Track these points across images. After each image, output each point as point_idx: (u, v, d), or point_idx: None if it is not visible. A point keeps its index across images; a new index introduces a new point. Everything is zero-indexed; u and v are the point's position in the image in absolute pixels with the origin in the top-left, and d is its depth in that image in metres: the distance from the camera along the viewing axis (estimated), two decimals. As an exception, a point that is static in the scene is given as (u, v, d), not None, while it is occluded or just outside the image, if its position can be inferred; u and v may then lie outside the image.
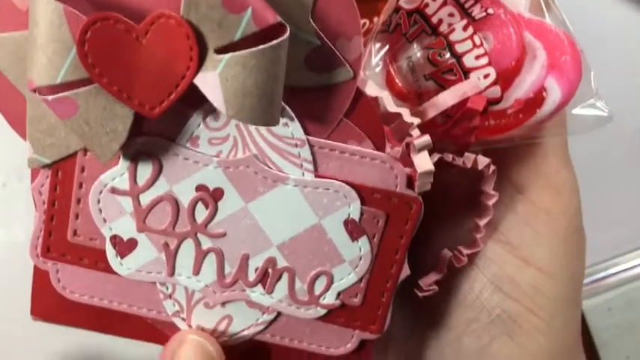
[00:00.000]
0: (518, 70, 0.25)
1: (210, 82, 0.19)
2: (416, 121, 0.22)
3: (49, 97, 0.19)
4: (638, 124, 0.45)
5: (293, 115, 0.22)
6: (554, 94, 0.25)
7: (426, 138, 0.22)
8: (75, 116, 0.20)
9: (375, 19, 0.30)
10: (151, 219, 0.23)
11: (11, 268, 0.37)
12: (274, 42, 0.19)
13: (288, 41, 0.20)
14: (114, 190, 0.23)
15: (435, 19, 0.26)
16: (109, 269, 0.24)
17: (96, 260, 0.24)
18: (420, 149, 0.22)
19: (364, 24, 0.30)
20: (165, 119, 0.22)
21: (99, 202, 0.23)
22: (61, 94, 0.19)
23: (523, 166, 0.27)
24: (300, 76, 0.21)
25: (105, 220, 0.23)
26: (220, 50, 0.19)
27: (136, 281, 0.24)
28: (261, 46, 0.19)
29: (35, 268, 0.25)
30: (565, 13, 0.47)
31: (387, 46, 0.26)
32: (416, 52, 0.26)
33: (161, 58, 0.19)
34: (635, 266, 0.44)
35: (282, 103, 0.21)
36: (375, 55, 0.26)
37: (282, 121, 0.22)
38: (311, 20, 0.20)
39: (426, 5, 0.26)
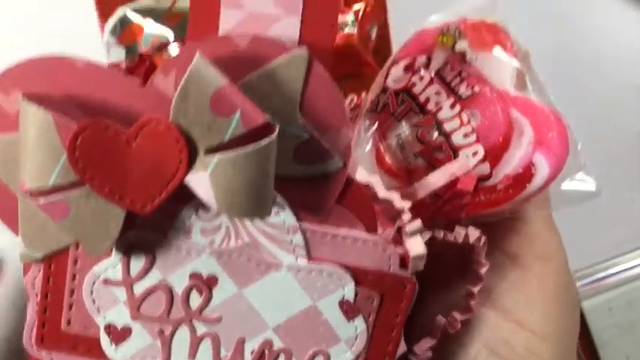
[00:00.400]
0: (506, 147, 0.26)
1: (200, 182, 0.20)
2: (406, 205, 0.22)
3: (41, 200, 0.19)
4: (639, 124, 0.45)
5: (284, 203, 0.22)
6: (543, 169, 0.25)
7: (418, 223, 0.22)
8: (67, 218, 0.20)
9: (363, 94, 0.31)
10: (144, 307, 0.23)
11: (11, 268, 0.37)
12: (263, 142, 0.19)
13: (278, 136, 0.20)
14: (107, 281, 0.23)
15: (422, 98, 0.26)
16: (103, 356, 0.24)
17: (89, 348, 0.24)
18: (412, 234, 0.22)
19: (352, 100, 0.31)
20: (157, 212, 0.22)
21: (92, 292, 0.23)
22: (52, 197, 0.19)
23: (512, 234, 0.27)
24: (290, 167, 0.21)
25: (99, 310, 0.23)
26: (210, 151, 0.19)
27: (131, 368, 0.24)
28: (250, 147, 0.19)
29: (29, 355, 0.24)
30: (565, 13, 0.48)
31: (376, 125, 0.26)
32: (404, 130, 0.26)
33: (151, 160, 0.20)
34: (635, 266, 0.44)
35: (274, 191, 0.21)
36: (365, 133, 0.26)
37: (274, 209, 0.22)
38: (299, 115, 0.21)
39: (413, 85, 0.26)
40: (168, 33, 0.29)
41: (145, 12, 0.29)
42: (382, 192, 0.22)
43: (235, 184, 0.19)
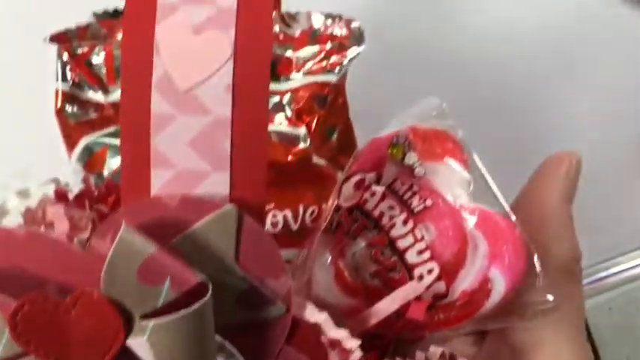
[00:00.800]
0: (461, 262, 0.25)
1: (140, 346, 0.20)
2: (355, 345, 0.22)
3: (-11, 373, 0.20)
4: (639, 125, 0.44)
5: (233, 351, 0.22)
6: (499, 284, 0.25)
7: None
8: (16, 386, 0.20)
9: (324, 205, 0.31)
10: None
11: None
12: (195, 306, 0.19)
13: (218, 287, 0.20)
14: None
15: (376, 213, 0.26)
16: None
17: None
18: None
19: (313, 211, 0.31)
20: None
21: None
22: (0, 369, 0.20)
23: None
24: (234, 315, 0.22)
25: None
26: (145, 316, 0.20)
27: None
28: (183, 312, 0.19)
29: None
30: (565, 13, 0.47)
31: (333, 245, 0.26)
32: (360, 247, 0.26)
33: (89, 329, 0.20)
34: (635, 266, 0.43)
35: (221, 338, 0.22)
36: (322, 253, 0.26)
37: (222, 356, 0.22)
38: (236, 267, 0.21)
39: (365, 201, 0.26)
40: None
41: (108, 136, 0.30)
42: (332, 331, 0.22)
43: (174, 347, 0.20)
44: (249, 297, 0.22)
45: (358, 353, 0.22)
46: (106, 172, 0.30)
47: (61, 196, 0.30)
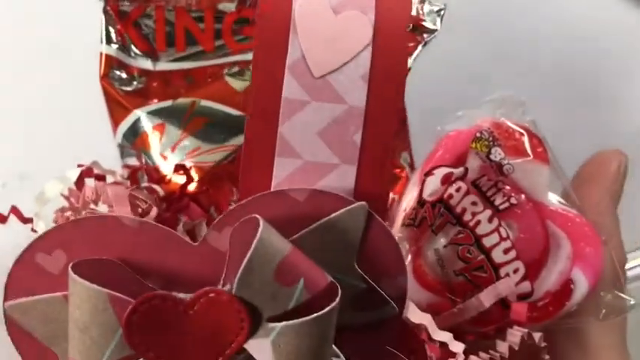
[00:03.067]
0: (545, 260, 0.25)
1: (262, 348, 0.19)
2: (460, 348, 0.22)
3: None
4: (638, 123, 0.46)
5: (339, 353, 0.21)
6: (582, 285, 0.25)
7: None
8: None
9: (391, 195, 0.30)
10: None
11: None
12: (326, 309, 0.18)
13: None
14: None
15: (459, 209, 0.25)
16: None
17: None
18: None
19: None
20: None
21: None
22: (105, 374, 0.18)
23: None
24: (347, 315, 0.21)
25: None
26: (273, 318, 0.18)
27: None
28: (315, 315, 0.18)
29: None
30: (566, 13, 0.48)
31: (414, 241, 0.25)
32: (442, 243, 0.26)
33: (209, 328, 0.18)
34: (635, 266, 0.44)
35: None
36: (401, 247, 0.25)
37: (329, 358, 0.21)
38: (356, 266, 0.20)
39: (450, 196, 0.25)
40: (189, 141, 0.27)
41: (162, 112, 0.28)
42: (435, 333, 0.22)
43: (298, 351, 0.18)
44: (364, 298, 0.21)
45: (463, 357, 0.22)
46: (157, 152, 0.27)
47: (98, 177, 0.27)
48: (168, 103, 0.28)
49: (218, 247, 0.19)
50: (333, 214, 0.19)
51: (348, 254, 0.20)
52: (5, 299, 0.19)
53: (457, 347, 0.22)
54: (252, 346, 0.19)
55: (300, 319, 0.18)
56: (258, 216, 0.18)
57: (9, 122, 0.38)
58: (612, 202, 0.28)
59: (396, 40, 0.19)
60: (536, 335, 0.24)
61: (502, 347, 0.24)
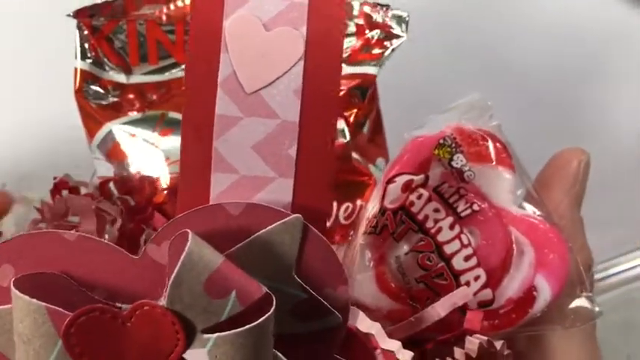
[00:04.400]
0: (507, 267, 0.25)
1: (199, 358, 0.19)
2: (408, 356, 0.22)
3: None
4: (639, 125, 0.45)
5: (285, 360, 0.22)
6: (545, 292, 0.25)
7: None
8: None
9: (358, 201, 0.30)
10: None
11: None
12: (260, 320, 0.19)
13: (275, 297, 0.19)
14: None
15: (420, 216, 0.25)
16: None
17: None
18: None
19: (347, 207, 0.30)
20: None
21: None
22: (49, 383, 0.19)
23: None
24: (289, 325, 0.21)
25: None
26: (208, 330, 0.19)
27: None
28: (248, 326, 0.19)
29: None
30: (566, 13, 0.47)
31: (376, 248, 0.26)
32: (404, 250, 0.26)
33: (146, 341, 0.19)
34: (635, 266, 0.43)
35: (273, 350, 0.21)
36: (364, 256, 0.26)
37: (276, 368, 0.22)
38: (295, 277, 0.20)
39: (412, 203, 0.25)
40: (158, 154, 0.28)
41: (133, 123, 0.28)
42: (384, 342, 0.22)
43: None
44: (305, 307, 0.21)
45: (409, 361, 0.22)
46: (130, 163, 0.28)
47: (71, 189, 0.28)
48: (139, 115, 0.28)
49: (157, 259, 0.20)
50: (268, 227, 0.20)
51: (285, 266, 0.20)
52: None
53: (405, 356, 0.22)
54: (190, 356, 0.19)
55: (234, 331, 0.19)
56: (188, 230, 0.18)
57: (9, 122, 0.39)
58: (573, 203, 0.27)
59: (328, 54, 0.19)
60: (498, 343, 0.24)
61: (459, 354, 0.24)
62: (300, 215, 0.20)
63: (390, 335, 0.24)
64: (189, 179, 0.20)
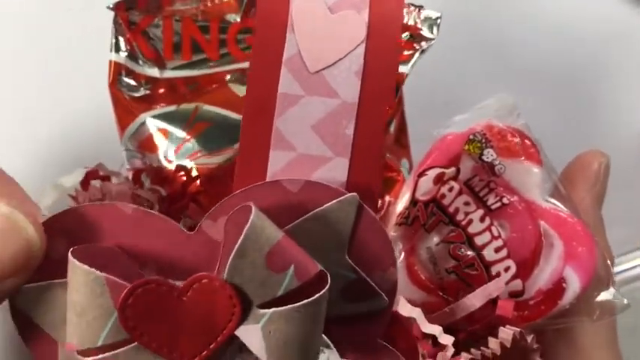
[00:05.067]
0: (536, 260, 0.26)
1: (252, 334, 0.19)
2: (450, 341, 0.22)
3: (89, 359, 0.19)
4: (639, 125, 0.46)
5: (329, 343, 0.22)
6: (574, 284, 0.25)
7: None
8: (116, 374, 0.19)
9: (387, 197, 0.31)
10: None
11: None
12: (316, 296, 0.19)
13: (327, 276, 0.20)
14: None
15: (451, 209, 0.26)
16: None
17: None
18: None
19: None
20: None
21: None
22: (102, 356, 0.19)
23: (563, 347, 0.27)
24: (337, 306, 0.21)
25: None
26: (263, 305, 0.19)
27: None
28: (304, 302, 0.19)
29: None
30: (566, 13, 0.48)
31: (407, 239, 0.26)
32: (434, 242, 0.26)
33: (201, 315, 0.19)
34: (635, 266, 0.43)
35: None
36: (396, 246, 0.26)
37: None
38: (347, 257, 0.21)
39: (443, 196, 0.26)
40: (191, 144, 0.28)
41: (166, 117, 0.29)
42: (425, 327, 0.22)
43: (287, 338, 0.19)
44: (354, 289, 0.21)
45: (452, 350, 0.23)
46: (162, 155, 0.28)
47: (103, 179, 0.28)
48: (172, 107, 0.29)
49: (212, 235, 0.20)
50: (325, 205, 0.20)
51: (338, 245, 0.21)
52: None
53: (447, 340, 0.22)
54: (242, 332, 0.19)
55: (290, 306, 0.19)
56: (250, 203, 0.19)
57: (9, 122, 0.38)
58: (595, 202, 0.28)
59: (388, 38, 0.20)
60: (528, 337, 0.24)
61: (493, 344, 0.24)
62: (356, 194, 0.20)
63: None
64: (248, 156, 0.20)
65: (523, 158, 0.27)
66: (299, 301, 0.19)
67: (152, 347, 0.19)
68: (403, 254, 0.26)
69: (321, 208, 0.20)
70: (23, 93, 0.39)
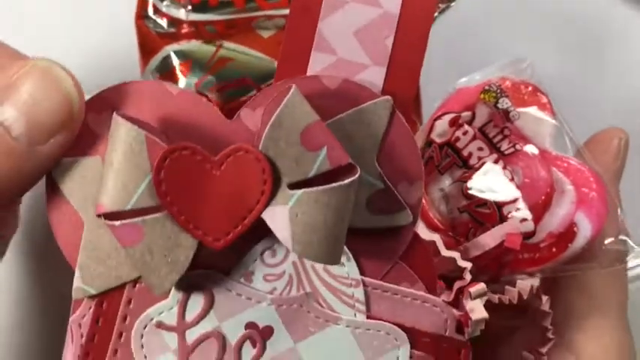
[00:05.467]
0: (548, 205, 0.26)
1: (278, 217, 0.19)
2: (468, 265, 0.23)
3: (117, 223, 0.19)
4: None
5: (350, 255, 0.22)
6: (585, 229, 0.26)
7: (482, 286, 0.22)
8: (138, 244, 0.19)
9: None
10: (195, 357, 0.22)
11: (12, 269, 0.34)
12: (347, 180, 0.19)
13: (353, 183, 0.20)
14: (160, 325, 0.22)
15: (465, 152, 0.27)
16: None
17: (128, 401, 0.22)
18: (476, 297, 0.22)
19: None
20: (221, 253, 0.21)
21: (142, 336, 0.22)
22: (129, 220, 0.19)
23: (578, 326, 0.27)
24: (360, 217, 0.21)
25: (145, 357, 0.22)
26: (293, 186, 0.19)
27: None
28: (335, 184, 0.19)
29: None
30: (566, 13, 0.48)
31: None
32: (447, 183, 0.27)
33: (232, 190, 0.19)
34: (636, 266, 0.44)
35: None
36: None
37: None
38: (376, 163, 0.21)
39: (457, 139, 0.27)
40: (212, 78, 0.29)
41: (189, 51, 0.29)
42: (444, 251, 0.23)
43: (314, 222, 0.19)
44: (380, 199, 0.22)
45: (469, 276, 0.23)
46: (184, 87, 0.29)
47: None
48: (196, 43, 0.29)
49: (249, 125, 0.20)
50: (360, 106, 0.21)
51: (369, 149, 0.21)
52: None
53: (465, 264, 0.23)
54: (269, 215, 0.19)
55: (320, 187, 0.19)
56: (292, 84, 0.19)
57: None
58: (613, 178, 0.29)
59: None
60: (544, 297, 0.25)
61: (510, 293, 0.25)
62: (390, 97, 0.21)
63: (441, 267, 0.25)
64: (290, 55, 0.21)
65: (536, 108, 0.28)
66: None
67: (180, 220, 0.19)
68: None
69: (356, 108, 0.21)
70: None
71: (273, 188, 0.19)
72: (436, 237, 0.23)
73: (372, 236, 0.22)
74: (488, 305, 0.23)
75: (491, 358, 0.28)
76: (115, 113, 0.19)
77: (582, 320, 0.27)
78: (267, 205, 0.19)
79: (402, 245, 0.22)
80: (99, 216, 0.19)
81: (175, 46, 0.29)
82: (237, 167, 0.19)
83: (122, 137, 0.18)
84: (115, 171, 0.19)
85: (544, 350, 0.25)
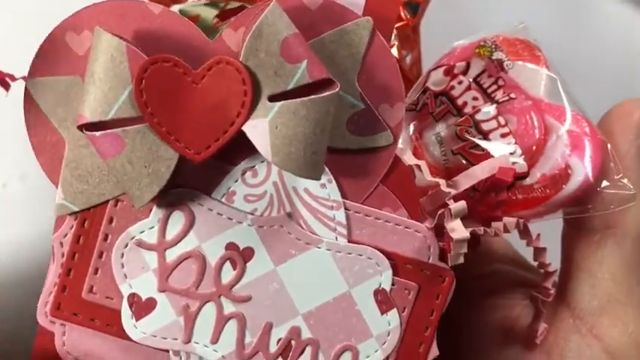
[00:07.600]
0: (542, 149, 0.26)
1: (258, 129, 0.19)
2: (453, 191, 0.22)
3: (98, 133, 0.19)
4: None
5: (331, 177, 0.22)
6: (579, 171, 0.25)
7: (462, 204, 0.22)
8: (119, 155, 0.19)
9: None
10: (174, 277, 0.22)
11: (12, 269, 0.35)
12: (326, 93, 0.19)
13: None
14: (140, 244, 0.22)
15: (460, 101, 0.27)
16: (120, 333, 0.22)
17: (108, 322, 0.22)
18: (456, 215, 0.22)
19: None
20: (202, 171, 0.21)
21: (122, 255, 0.22)
22: (110, 131, 0.19)
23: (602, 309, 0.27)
24: (342, 137, 0.21)
25: (126, 276, 0.22)
26: (273, 98, 0.19)
27: (146, 349, 0.23)
28: (313, 96, 0.19)
29: (40, 328, 0.23)
30: (566, 13, 0.48)
31: (415, 123, 0.27)
32: (442, 129, 0.27)
33: (213, 103, 0.19)
34: None
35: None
36: (404, 131, 0.27)
37: (321, 181, 0.22)
38: (356, 83, 0.21)
39: (452, 88, 0.27)
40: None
41: (199, 6, 0.30)
42: (429, 176, 0.22)
43: (294, 134, 0.19)
44: (360, 120, 0.22)
45: (452, 201, 0.22)
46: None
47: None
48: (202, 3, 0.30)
49: (231, 46, 0.21)
50: (342, 25, 0.21)
51: (350, 68, 0.21)
52: (29, 76, 0.21)
53: (449, 189, 0.22)
54: (250, 128, 0.20)
55: (299, 99, 0.19)
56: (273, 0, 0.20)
57: (9, 122, 0.40)
58: (638, 155, 0.27)
59: None
60: (535, 234, 0.25)
61: (496, 226, 0.24)
62: (370, 18, 0.21)
63: (426, 203, 0.25)
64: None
65: (530, 59, 0.28)
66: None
67: (161, 132, 0.19)
68: (409, 138, 0.27)
69: (337, 29, 0.21)
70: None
71: (253, 100, 0.19)
72: (422, 162, 0.23)
73: (353, 158, 0.22)
74: (473, 242, 0.23)
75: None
76: (97, 26, 0.19)
77: (607, 304, 0.26)
78: (247, 117, 0.20)
79: (383, 167, 0.22)
80: (80, 128, 0.20)
81: (182, 5, 0.30)
82: (218, 79, 0.19)
83: (103, 48, 0.19)
84: (95, 82, 0.19)
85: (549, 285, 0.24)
